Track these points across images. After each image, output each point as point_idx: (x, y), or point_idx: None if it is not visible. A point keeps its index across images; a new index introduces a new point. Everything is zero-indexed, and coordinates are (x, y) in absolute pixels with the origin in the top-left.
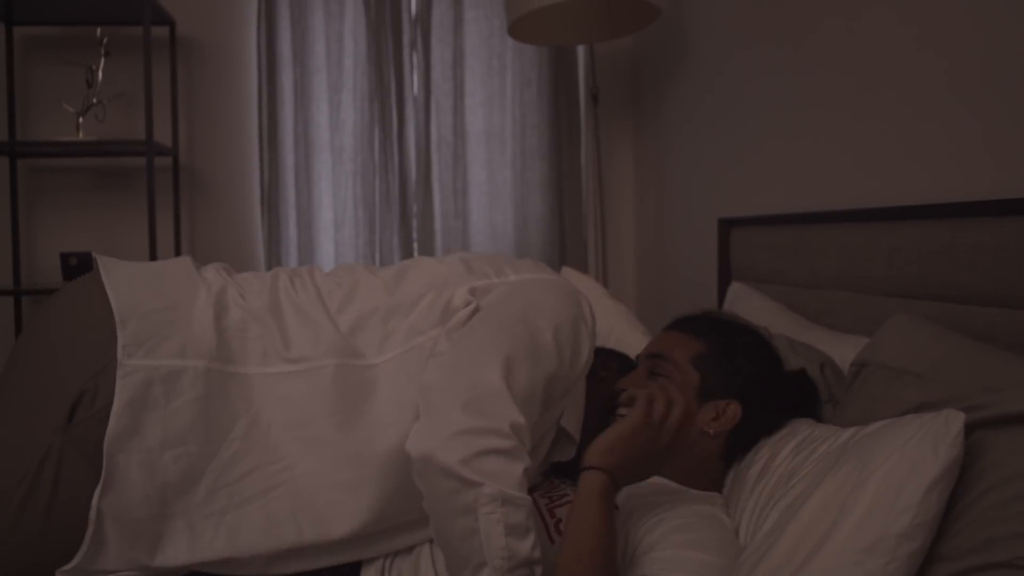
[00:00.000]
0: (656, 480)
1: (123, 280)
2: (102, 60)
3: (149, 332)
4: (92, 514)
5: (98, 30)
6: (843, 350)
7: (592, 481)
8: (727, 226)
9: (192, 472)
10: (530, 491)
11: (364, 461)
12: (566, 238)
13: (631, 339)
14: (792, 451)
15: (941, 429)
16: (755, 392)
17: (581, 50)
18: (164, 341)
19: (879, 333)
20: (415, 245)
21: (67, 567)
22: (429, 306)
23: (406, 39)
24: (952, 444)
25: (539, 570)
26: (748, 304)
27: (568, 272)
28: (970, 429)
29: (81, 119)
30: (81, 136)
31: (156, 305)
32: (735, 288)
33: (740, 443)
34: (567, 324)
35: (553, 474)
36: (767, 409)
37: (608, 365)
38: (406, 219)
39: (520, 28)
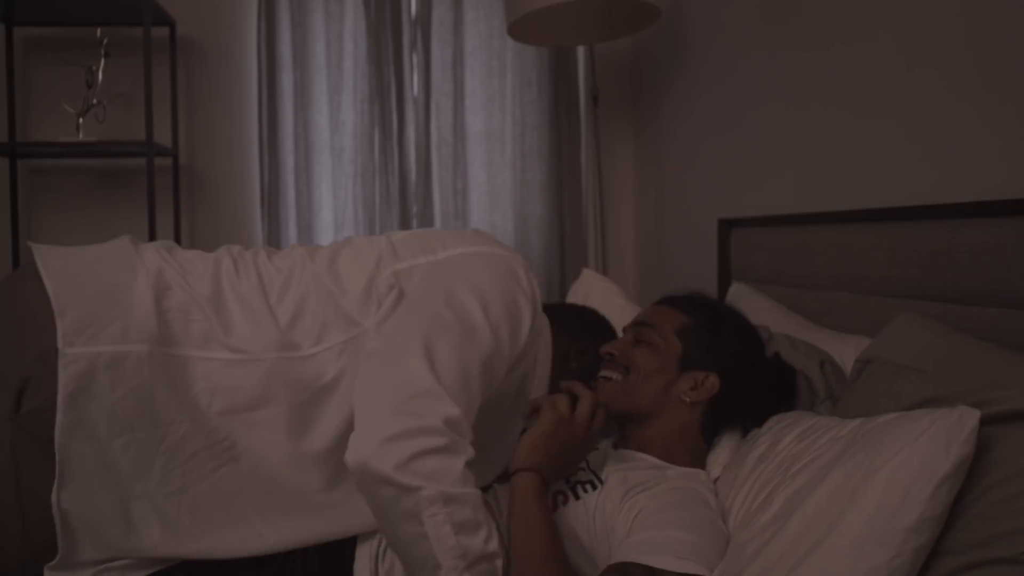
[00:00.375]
0: (640, 455)
1: (60, 268)
2: (102, 61)
3: (90, 319)
4: (55, 509)
5: (98, 31)
6: (843, 350)
7: (525, 483)
8: (727, 226)
9: (143, 457)
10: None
11: (306, 455)
12: (566, 239)
13: None
14: (796, 438)
15: (955, 426)
16: (735, 367)
17: (581, 51)
18: (105, 327)
19: (884, 331)
20: None
21: (52, 563)
22: (360, 294)
23: (406, 40)
24: (965, 441)
25: (500, 562)
26: (749, 304)
27: (588, 274)
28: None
29: (81, 120)
30: (81, 137)
31: (95, 291)
32: (735, 288)
33: (718, 418)
34: (498, 299)
35: None
36: (745, 386)
37: (582, 351)
38: (406, 220)
39: (520, 29)
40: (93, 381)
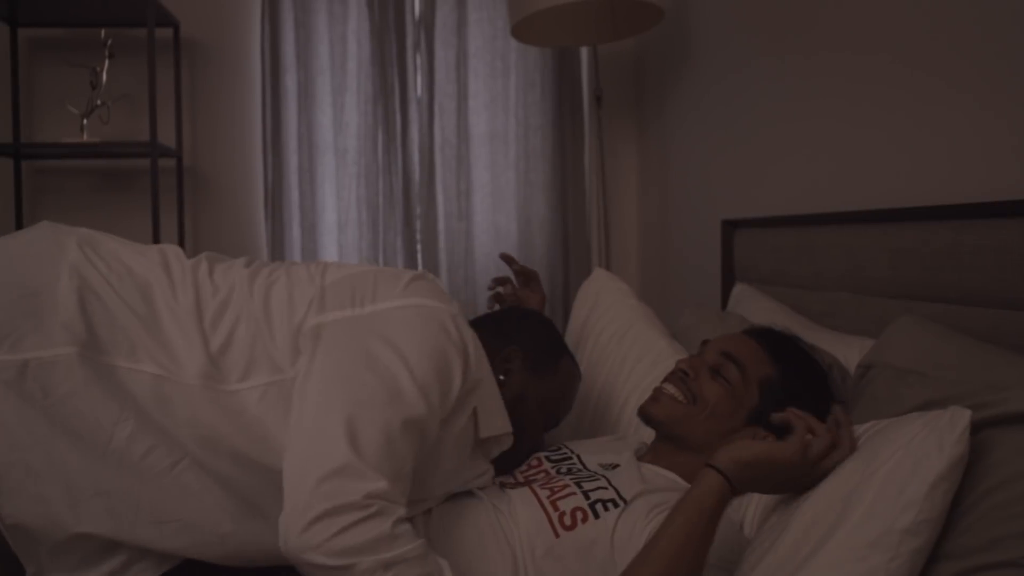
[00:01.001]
0: (668, 475)
1: None
2: (106, 62)
3: (12, 325)
4: (0, 526)
5: (102, 32)
6: (846, 351)
7: (713, 486)
8: (730, 227)
9: (91, 455)
10: (526, 482)
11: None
12: (569, 239)
13: (647, 336)
14: None
15: (946, 426)
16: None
17: (584, 52)
18: (29, 333)
19: (884, 335)
20: (419, 247)
21: None
22: (287, 339)
23: (410, 41)
24: (957, 441)
25: None
26: (752, 306)
27: (599, 273)
28: (976, 427)
29: (85, 121)
30: (85, 138)
31: (15, 294)
32: (739, 289)
33: None
34: (425, 359)
35: (549, 463)
36: None
37: (508, 359)
38: (409, 221)
39: (523, 30)
40: (24, 389)
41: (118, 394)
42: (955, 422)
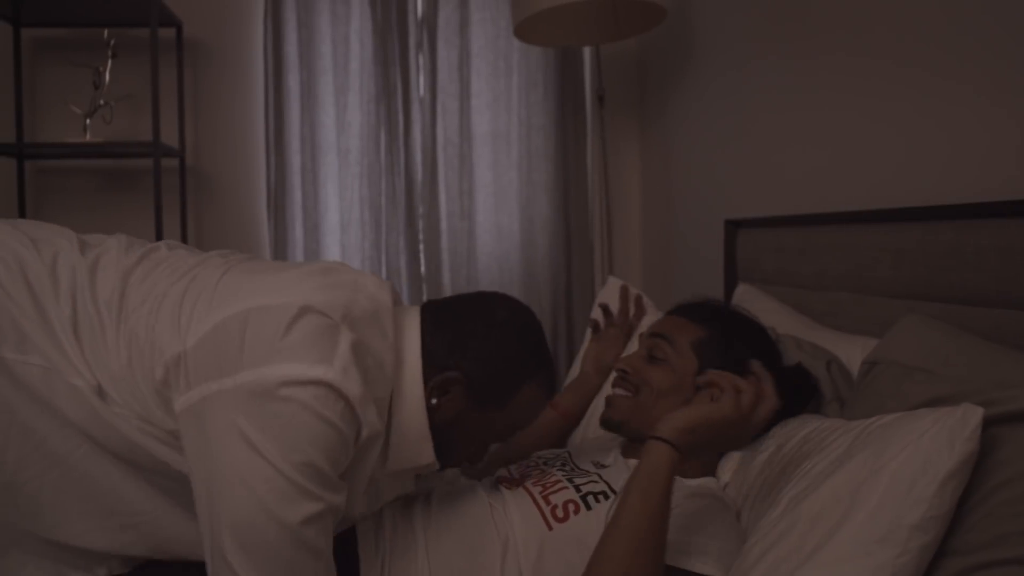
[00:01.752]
0: None
1: None
2: (109, 62)
3: None
4: None
5: (105, 32)
6: (849, 350)
7: (662, 455)
8: (733, 227)
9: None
10: (520, 480)
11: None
12: (572, 239)
13: None
14: (800, 441)
15: (958, 423)
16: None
17: (587, 51)
18: None
19: (891, 332)
20: (421, 246)
21: None
22: (148, 387)
23: (412, 41)
24: (969, 439)
25: None
26: (755, 305)
27: (613, 282)
28: (984, 425)
29: (88, 120)
30: (88, 137)
31: None
32: (742, 289)
33: None
34: (302, 454)
35: (543, 462)
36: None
37: (446, 386)
38: (412, 220)
39: (526, 29)
40: None
41: (4, 390)
42: (967, 419)
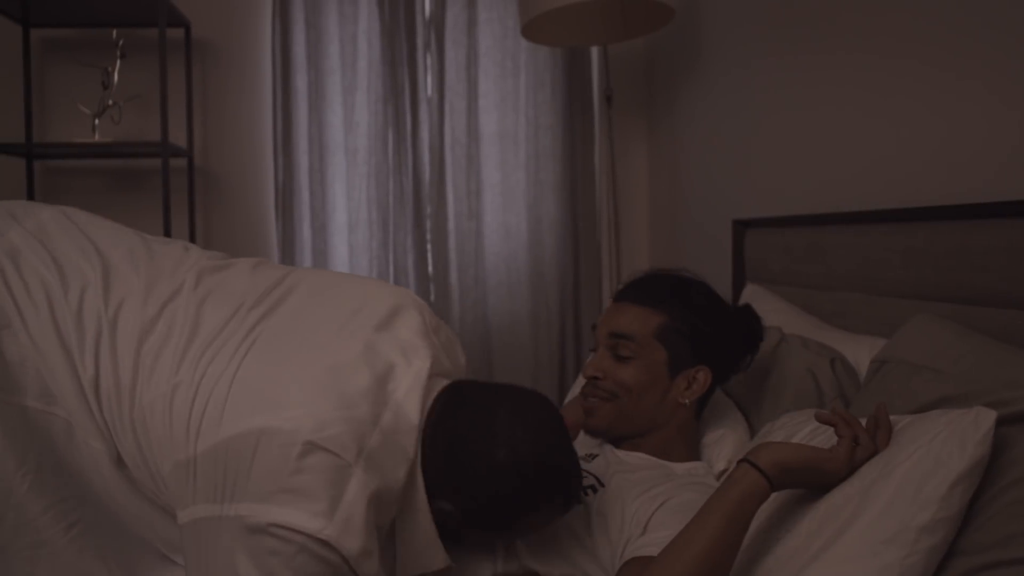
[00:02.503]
0: (638, 455)
1: None
2: (118, 62)
3: None
4: None
5: (114, 32)
6: (858, 350)
7: (754, 486)
8: (741, 227)
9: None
10: None
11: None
12: (579, 239)
13: None
14: (808, 436)
15: (970, 426)
16: (717, 351)
17: (595, 51)
18: None
19: (900, 331)
20: (429, 246)
21: None
22: (157, 478)
23: (420, 41)
24: (980, 442)
25: None
26: (762, 306)
27: None
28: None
29: (97, 121)
30: (97, 138)
31: None
32: (750, 289)
33: (708, 398)
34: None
35: None
36: (729, 359)
37: (442, 515)
38: (420, 220)
39: (534, 29)
40: None
41: (21, 443)
42: (979, 423)
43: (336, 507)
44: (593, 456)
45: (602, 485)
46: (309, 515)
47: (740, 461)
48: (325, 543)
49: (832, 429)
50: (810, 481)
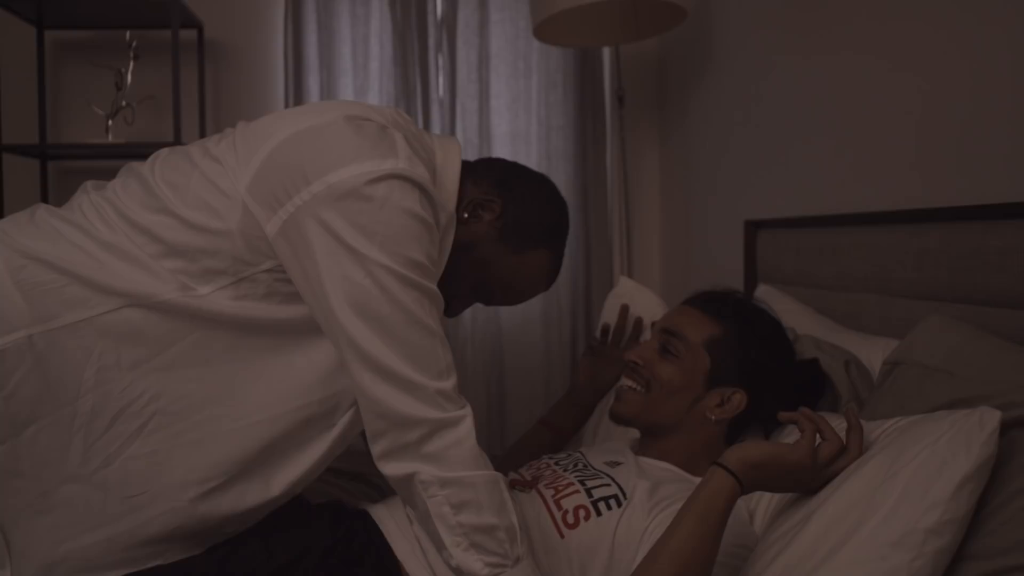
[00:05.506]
0: (663, 465)
1: None
2: (131, 63)
3: None
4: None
5: (127, 34)
6: (871, 352)
7: (723, 485)
8: (753, 228)
9: (56, 441)
10: (533, 482)
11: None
12: (591, 240)
13: None
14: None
15: (975, 426)
16: (763, 382)
17: (607, 52)
18: None
19: (913, 333)
20: None
21: None
22: (234, 241)
23: (431, 42)
24: (986, 442)
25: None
26: (775, 307)
27: (625, 282)
28: (1004, 428)
29: (110, 121)
30: (110, 138)
31: None
32: (762, 290)
33: (741, 427)
34: (392, 251)
35: (557, 465)
36: (771, 398)
37: (482, 207)
38: None
39: (545, 30)
40: None
41: (79, 360)
42: (984, 422)
43: (396, 150)
44: (618, 464)
45: (626, 498)
46: (379, 159)
47: (711, 464)
48: (403, 178)
49: (837, 429)
50: (780, 475)
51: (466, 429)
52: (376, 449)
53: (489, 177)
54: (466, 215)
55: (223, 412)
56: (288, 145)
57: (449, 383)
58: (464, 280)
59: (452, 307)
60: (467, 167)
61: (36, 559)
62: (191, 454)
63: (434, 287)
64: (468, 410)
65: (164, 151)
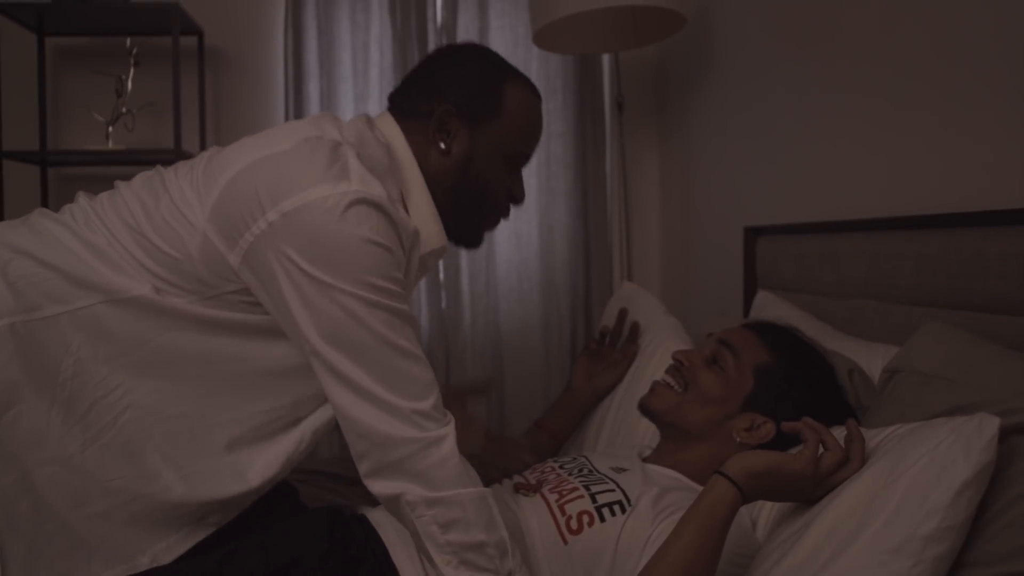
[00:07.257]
0: (673, 475)
1: None
2: (131, 70)
3: None
4: None
5: (128, 41)
6: (871, 358)
7: (726, 495)
8: (753, 234)
9: (35, 425)
10: (537, 486)
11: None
12: (591, 246)
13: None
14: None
15: (974, 433)
16: (791, 418)
17: (606, 58)
18: None
19: (911, 340)
20: None
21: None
22: (198, 256)
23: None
24: (985, 448)
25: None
26: (775, 313)
27: (628, 287)
28: (1004, 434)
29: (111, 128)
30: (110, 145)
31: None
32: (762, 297)
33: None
34: (354, 277)
35: (562, 469)
36: (797, 440)
37: (443, 122)
38: None
39: (545, 37)
40: None
41: (58, 350)
42: (983, 429)
43: (348, 171)
44: (623, 470)
45: (631, 505)
46: (332, 183)
47: (713, 473)
48: (357, 201)
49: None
50: (782, 485)
51: (449, 447)
52: (361, 468)
53: (417, 99)
54: (443, 145)
55: (192, 410)
56: (244, 175)
57: (427, 403)
58: (499, 183)
59: (497, 212)
60: (399, 116)
61: (24, 538)
62: (162, 445)
63: (404, 307)
64: (450, 428)
65: (151, 170)
